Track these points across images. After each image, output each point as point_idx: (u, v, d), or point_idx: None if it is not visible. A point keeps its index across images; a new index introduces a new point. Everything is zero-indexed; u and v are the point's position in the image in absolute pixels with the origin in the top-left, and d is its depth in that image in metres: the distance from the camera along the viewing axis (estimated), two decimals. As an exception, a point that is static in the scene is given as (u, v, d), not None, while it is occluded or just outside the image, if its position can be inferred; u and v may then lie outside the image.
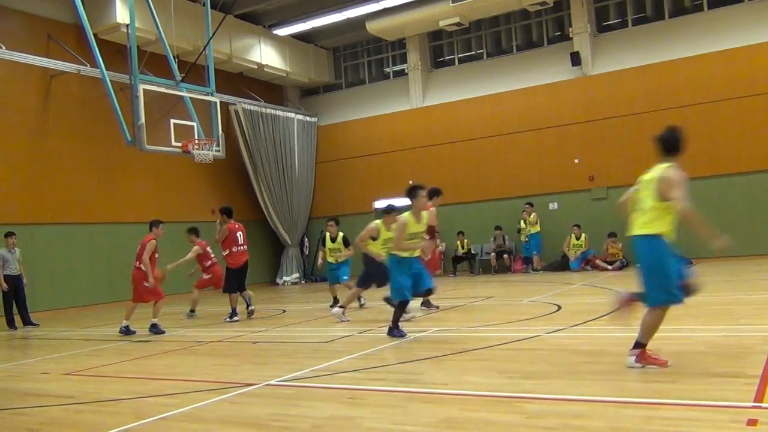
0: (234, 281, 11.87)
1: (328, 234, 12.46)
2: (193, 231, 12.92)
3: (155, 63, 16.26)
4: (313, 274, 22.54)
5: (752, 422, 3.71)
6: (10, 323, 13.08)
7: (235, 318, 11.56)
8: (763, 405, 4.05)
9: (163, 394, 5.74)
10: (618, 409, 4.23)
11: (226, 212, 12.02)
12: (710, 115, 17.11)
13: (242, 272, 11.94)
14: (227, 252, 11.83)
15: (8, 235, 13.25)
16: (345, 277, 12.25)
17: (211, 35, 15.78)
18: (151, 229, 10.73)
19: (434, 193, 10.65)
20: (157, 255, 10.60)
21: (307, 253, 22.81)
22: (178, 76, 15.73)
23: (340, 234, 12.32)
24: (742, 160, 16.62)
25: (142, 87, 14.44)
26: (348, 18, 20.28)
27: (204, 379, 6.36)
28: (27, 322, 13.35)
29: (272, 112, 21.59)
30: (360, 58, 23.42)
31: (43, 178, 15.95)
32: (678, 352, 5.82)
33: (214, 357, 7.79)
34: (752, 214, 16.54)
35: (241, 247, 11.85)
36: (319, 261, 12.89)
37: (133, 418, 4.89)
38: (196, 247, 12.56)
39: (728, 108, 16.90)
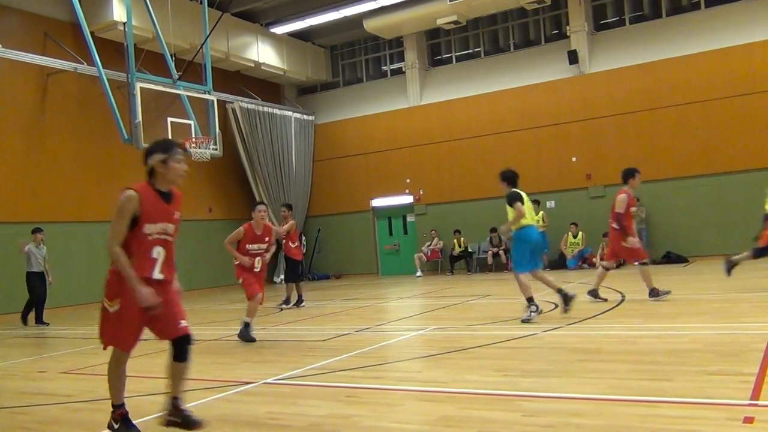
0: (299, 271, 13.10)
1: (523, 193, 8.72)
2: (288, 206, 13.35)
3: (152, 61, 16.24)
4: (310, 273, 22.54)
5: (749, 420, 3.73)
6: (24, 318, 13.02)
7: (303, 304, 12.67)
8: (760, 403, 4.06)
9: (160, 392, 5.70)
10: (615, 407, 4.24)
11: (291, 208, 13.26)
12: (707, 113, 17.14)
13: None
14: (296, 245, 12.82)
15: (35, 231, 13.21)
16: (537, 265, 8.89)
17: (208, 33, 15.76)
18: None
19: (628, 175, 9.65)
20: (249, 246, 8.47)
21: (304, 251, 22.76)
22: (175, 75, 15.72)
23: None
24: (739, 158, 16.64)
25: (139, 85, 14.45)
26: (345, 16, 20.27)
27: (201, 377, 6.35)
28: (39, 320, 13.19)
29: (269, 110, 21.59)
30: (357, 56, 23.41)
31: (40, 176, 15.91)
32: (675, 351, 5.84)
33: (211, 355, 7.78)
34: (750, 212, 16.53)
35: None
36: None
37: (131, 417, 4.87)
38: (291, 222, 12.74)
39: (726, 106, 16.93)
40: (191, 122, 15.85)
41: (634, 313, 8.27)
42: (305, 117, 22.91)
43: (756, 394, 4.23)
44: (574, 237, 17.85)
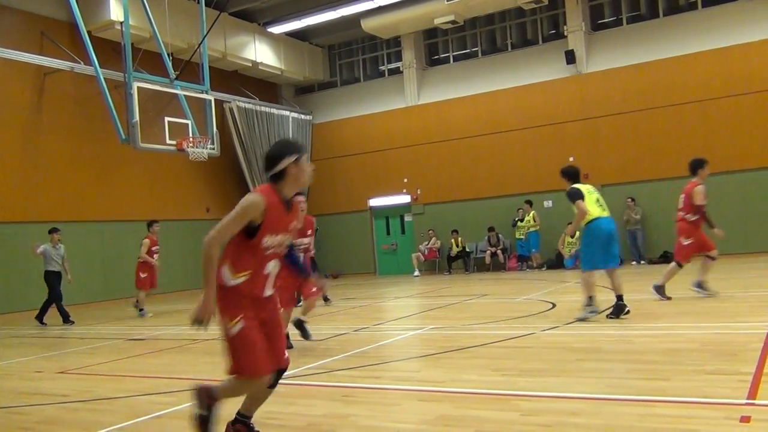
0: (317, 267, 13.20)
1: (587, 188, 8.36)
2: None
3: (150, 61, 16.22)
4: (308, 272, 22.53)
5: (745, 419, 3.74)
6: (65, 318, 12.81)
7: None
8: (756, 402, 4.07)
9: (158, 392, 5.73)
10: (613, 407, 4.24)
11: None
12: (705, 113, 17.16)
13: None
14: None
15: (52, 231, 13.10)
16: (614, 262, 8.21)
17: (205, 33, 15.75)
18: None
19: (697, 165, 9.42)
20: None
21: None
22: (173, 74, 15.70)
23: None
24: (736, 158, 16.67)
25: (136, 85, 14.43)
26: (343, 16, 20.26)
27: (199, 377, 6.35)
28: (41, 318, 13.00)
29: (267, 110, 21.57)
30: (355, 56, 23.40)
31: (36, 176, 15.88)
32: (673, 350, 5.85)
33: (209, 355, 7.77)
34: (747, 212, 16.59)
35: None
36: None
37: (128, 417, 4.88)
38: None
39: (723, 106, 16.95)
40: (188, 122, 15.83)
41: (631, 312, 8.27)
42: (303, 117, 22.90)
43: (753, 394, 4.24)
44: (572, 237, 17.83)
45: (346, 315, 11.04)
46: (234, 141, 20.61)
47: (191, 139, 15.50)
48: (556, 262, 17.91)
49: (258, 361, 3.67)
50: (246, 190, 21.11)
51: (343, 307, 12.23)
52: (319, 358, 6.74)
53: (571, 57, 18.66)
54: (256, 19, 20.56)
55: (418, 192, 21.24)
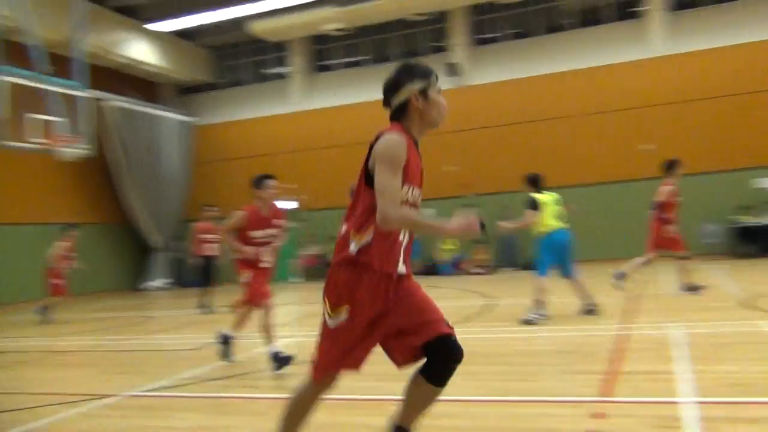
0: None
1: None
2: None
3: (21, 54, 15.14)
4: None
5: (599, 415, 4.01)
6: None
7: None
8: (609, 399, 4.37)
9: (13, 408, 5.34)
10: (480, 408, 4.41)
11: None
12: (575, 128, 18.29)
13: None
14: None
15: None
16: (567, 272, 8.58)
17: (81, 27, 14.94)
18: None
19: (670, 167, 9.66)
20: (254, 234, 6.77)
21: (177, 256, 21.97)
22: (45, 69, 14.73)
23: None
24: (603, 170, 17.87)
25: (1, 78, 13.43)
26: (230, 17, 19.85)
27: (60, 391, 5.98)
28: None
29: (146, 110, 20.72)
30: (242, 58, 23.02)
31: None
32: (539, 352, 6.16)
33: (71, 367, 7.35)
34: (611, 220, 17.78)
35: None
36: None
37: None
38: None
39: (591, 122, 18.16)
40: (59, 120, 14.90)
41: (502, 317, 8.63)
42: (185, 118, 22.19)
43: (607, 391, 4.54)
44: (449, 244, 18.42)
45: (222, 323, 10.77)
46: (109, 141, 19.65)
47: (62, 138, 14.62)
48: (431, 269, 18.33)
49: (358, 353, 2.99)
50: (120, 194, 20.14)
51: (221, 314, 11.94)
52: (193, 368, 6.54)
53: (453, 70, 19.28)
54: (139, 16, 19.76)
55: (303, 198, 21.11)
